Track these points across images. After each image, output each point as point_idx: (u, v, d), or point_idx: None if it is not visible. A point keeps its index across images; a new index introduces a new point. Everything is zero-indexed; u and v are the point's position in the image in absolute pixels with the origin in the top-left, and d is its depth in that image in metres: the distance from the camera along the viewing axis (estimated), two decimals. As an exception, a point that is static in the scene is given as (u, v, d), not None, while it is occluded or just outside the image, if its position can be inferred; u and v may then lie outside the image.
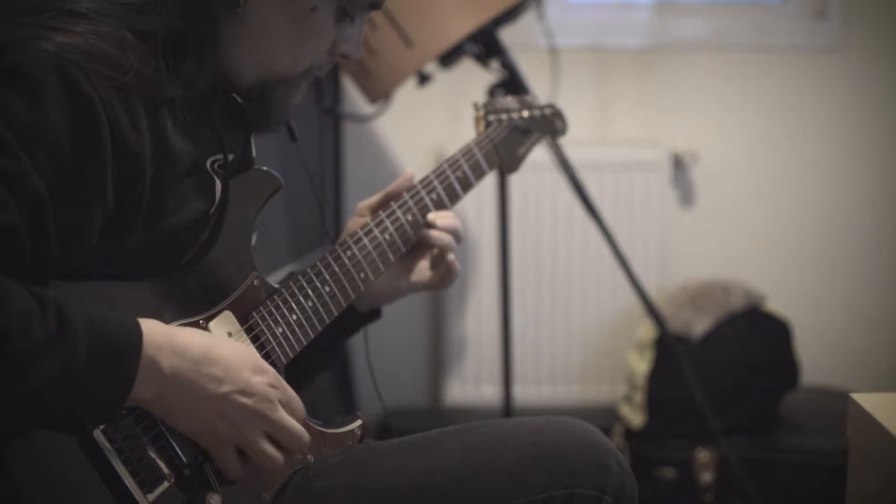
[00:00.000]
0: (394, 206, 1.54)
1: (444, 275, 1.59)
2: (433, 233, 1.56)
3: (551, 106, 1.79)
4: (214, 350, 1.23)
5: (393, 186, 1.57)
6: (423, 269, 1.59)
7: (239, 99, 1.36)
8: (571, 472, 1.35)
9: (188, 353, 1.20)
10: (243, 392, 1.24)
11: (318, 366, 1.57)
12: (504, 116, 1.70)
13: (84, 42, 1.19)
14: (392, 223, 1.53)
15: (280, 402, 1.28)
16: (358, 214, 1.59)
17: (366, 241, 1.50)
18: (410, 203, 1.55)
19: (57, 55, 1.17)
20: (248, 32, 1.31)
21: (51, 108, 1.15)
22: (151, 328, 1.18)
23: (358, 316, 1.58)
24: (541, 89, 2.61)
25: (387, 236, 1.52)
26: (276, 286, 1.42)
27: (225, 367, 1.23)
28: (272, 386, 1.27)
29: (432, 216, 1.56)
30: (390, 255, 1.53)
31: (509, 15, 2.51)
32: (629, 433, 2.85)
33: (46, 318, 1.10)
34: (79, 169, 1.17)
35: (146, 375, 1.16)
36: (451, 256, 1.58)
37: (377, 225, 1.52)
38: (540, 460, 1.35)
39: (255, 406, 1.25)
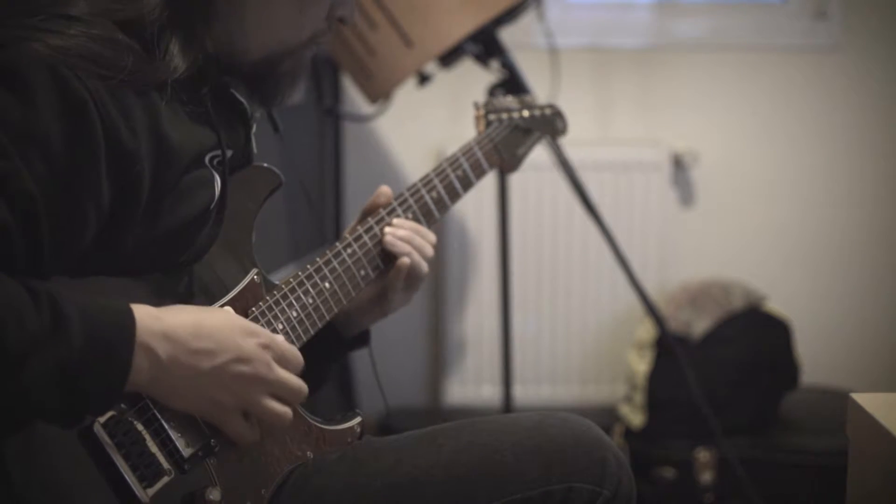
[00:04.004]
0: (395, 204, 1.54)
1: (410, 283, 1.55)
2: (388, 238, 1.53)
3: (552, 106, 1.79)
4: (204, 322, 1.23)
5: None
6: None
7: (238, 97, 1.36)
8: (569, 466, 1.35)
9: (179, 332, 1.20)
10: (239, 359, 1.24)
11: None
12: (505, 116, 1.70)
13: (77, 44, 1.19)
14: (394, 221, 1.53)
15: (275, 359, 1.28)
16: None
17: (366, 238, 1.50)
18: (411, 201, 1.55)
19: (49, 56, 1.16)
20: (247, 5, 1.31)
21: (43, 107, 1.15)
22: (143, 313, 1.18)
23: (344, 341, 1.57)
24: (541, 89, 2.61)
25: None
26: (277, 283, 1.42)
27: (217, 339, 1.23)
28: (265, 346, 1.27)
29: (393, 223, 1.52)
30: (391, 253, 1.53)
31: (509, 15, 2.51)
32: (629, 433, 2.85)
33: (40, 310, 1.10)
34: (71, 168, 1.17)
35: (141, 361, 1.16)
36: (407, 261, 1.53)
37: (378, 223, 1.52)
38: (538, 455, 1.35)
39: (252, 371, 1.25)
